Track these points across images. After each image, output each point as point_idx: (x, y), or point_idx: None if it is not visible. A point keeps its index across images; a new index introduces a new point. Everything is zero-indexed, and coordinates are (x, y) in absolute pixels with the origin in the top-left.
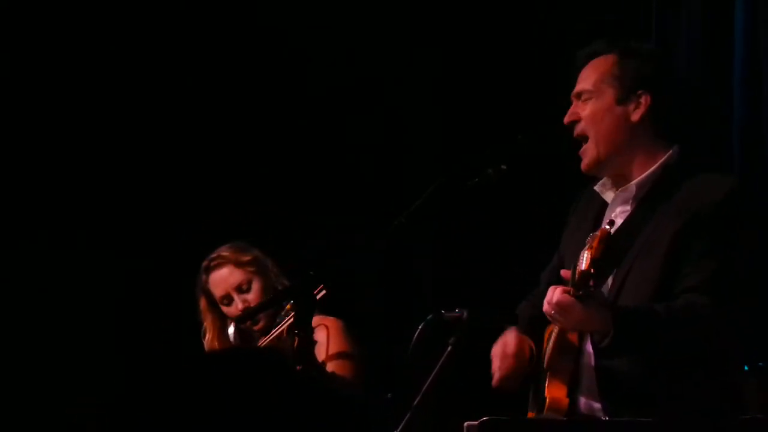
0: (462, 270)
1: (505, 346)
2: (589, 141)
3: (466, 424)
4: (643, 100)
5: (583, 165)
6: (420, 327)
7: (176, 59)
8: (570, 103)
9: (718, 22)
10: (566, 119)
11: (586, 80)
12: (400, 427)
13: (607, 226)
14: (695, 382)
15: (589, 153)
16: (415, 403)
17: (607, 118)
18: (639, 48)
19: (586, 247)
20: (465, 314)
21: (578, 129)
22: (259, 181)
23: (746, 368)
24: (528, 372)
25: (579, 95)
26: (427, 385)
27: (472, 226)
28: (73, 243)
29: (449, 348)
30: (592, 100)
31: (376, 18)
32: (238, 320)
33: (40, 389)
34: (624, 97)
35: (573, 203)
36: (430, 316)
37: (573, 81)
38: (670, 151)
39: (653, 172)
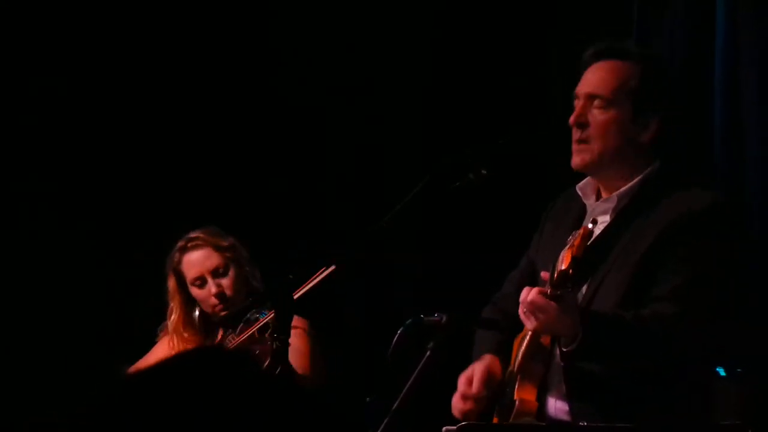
0: (442, 274)
1: (469, 383)
2: (591, 144)
3: (444, 428)
4: (653, 123)
5: (577, 164)
6: (399, 331)
7: (155, 59)
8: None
9: (701, 26)
10: (574, 119)
11: (603, 85)
12: (379, 431)
13: (590, 225)
14: (663, 384)
15: (586, 155)
16: (395, 407)
17: (620, 134)
18: (660, 63)
19: (568, 246)
20: (444, 319)
21: (583, 134)
22: (240, 179)
23: (724, 374)
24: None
25: (591, 97)
26: (406, 389)
27: (453, 229)
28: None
29: (428, 352)
30: (610, 110)
31: (358, 17)
32: (221, 323)
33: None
34: (638, 117)
35: (548, 206)
36: (409, 321)
37: (579, 68)
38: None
39: (635, 184)
